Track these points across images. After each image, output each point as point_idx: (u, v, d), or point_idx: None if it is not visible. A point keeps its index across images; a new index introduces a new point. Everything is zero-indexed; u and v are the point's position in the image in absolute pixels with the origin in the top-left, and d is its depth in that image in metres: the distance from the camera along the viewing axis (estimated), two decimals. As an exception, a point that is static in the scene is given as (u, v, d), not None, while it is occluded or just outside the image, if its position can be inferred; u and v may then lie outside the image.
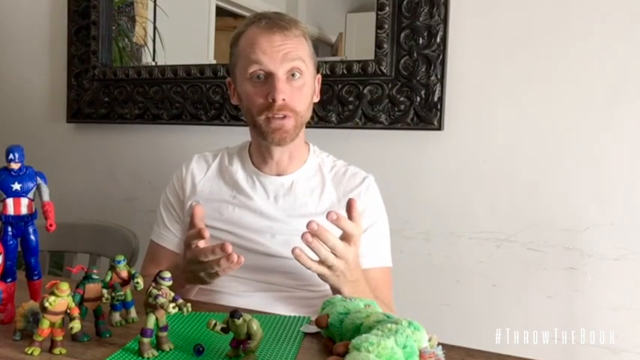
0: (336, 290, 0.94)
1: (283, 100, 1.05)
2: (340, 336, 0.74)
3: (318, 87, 1.17)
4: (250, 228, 1.11)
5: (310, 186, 1.14)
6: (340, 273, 0.90)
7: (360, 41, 1.58)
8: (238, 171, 1.17)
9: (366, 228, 1.12)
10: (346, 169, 1.18)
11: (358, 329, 0.71)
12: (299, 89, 1.08)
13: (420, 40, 1.42)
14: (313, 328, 0.82)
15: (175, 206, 1.20)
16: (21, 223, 0.81)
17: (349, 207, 0.90)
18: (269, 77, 1.06)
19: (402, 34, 1.43)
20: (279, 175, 1.15)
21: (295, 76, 1.07)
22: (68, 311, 0.71)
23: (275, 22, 1.07)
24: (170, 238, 1.20)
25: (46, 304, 0.69)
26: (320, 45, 1.65)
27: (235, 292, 1.09)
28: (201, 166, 1.21)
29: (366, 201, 1.13)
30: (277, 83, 1.05)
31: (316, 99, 1.16)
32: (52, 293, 0.70)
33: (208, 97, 1.68)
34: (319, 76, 1.17)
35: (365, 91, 1.48)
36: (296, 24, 1.10)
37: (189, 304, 0.72)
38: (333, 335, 0.76)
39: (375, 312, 0.75)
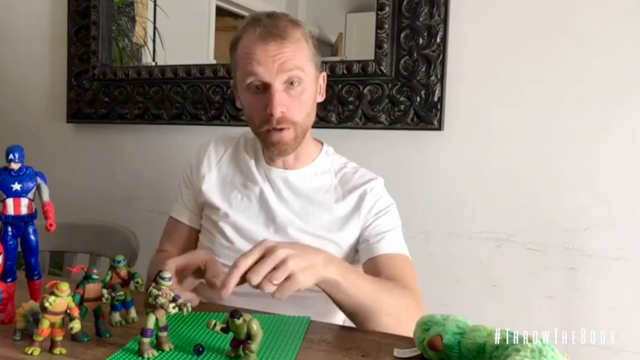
0: (328, 284, 0.86)
1: (282, 112, 1.04)
2: (461, 358, 0.70)
3: (323, 85, 1.15)
4: (255, 221, 1.12)
5: (316, 184, 1.14)
6: (296, 258, 0.79)
7: (360, 41, 1.58)
8: (252, 160, 1.17)
9: (377, 217, 1.12)
10: (355, 170, 1.18)
11: (482, 350, 0.68)
12: (297, 98, 1.06)
13: (420, 40, 1.42)
14: (408, 352, 0.75)
15: (193, 183, 1.22)
16: (21, 223, 0.81)
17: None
18: (266, 88, 1.04)
19: (402, 34, 1.43)
20: (286, 168, 1.15)
21: (294, 85, 1.05)
22: (68, 311, 0.71)
23: (270, 31, 1.03)
24: (187, 214, 1.23)
25: (46, 304, 0.69)
26: (320, 45, 1.65)
27: (236, 290, 1.09)
28: (219, 149, 1.22)
29: (373, 198, 1.13)
30: (274, 96, 1.03)
31: (321, 98, 1.15)
32: (52, 293, 0.70)
33: (208, 97, 1.68)
34: (324, 74, 1.15)
35: (365, 91, 1.48)
36: (293, 27, 1.06)
37: (189, 304, 0.72)
38: (451, 358, 0.71)
39: (492, 329, 0.70)
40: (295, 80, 1.05)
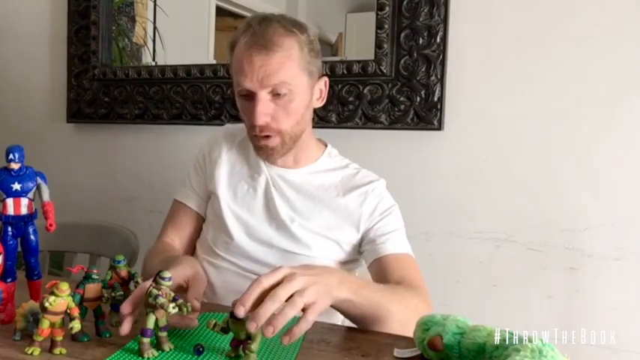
0: (342, 304, 0.84)
1: (265, 121, 1.04)
2: (461, 358, 0.70)
3: (324, 90, 1.13)
4: (258, 217, 1.13)
5: (317, 182, 1.14)
6: (314, 286, 0.76)
7: (360, 41, 1.58)
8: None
9: (380, 219, 1.11)
10: (358, 171, 1.17)
11: (482, 350, 0.68)
12: (284, 107, 1.04)
13: (420, 40, 1.42)
14: (408, 352, 0.75)
15: (205, 169, 1.21)
16: (21, 223, 0.81)
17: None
18: (253, 96, 1.04)
19: (402, 34, 1.43)
20: (286, 168, 1.15)
21: (281, 95, 1.03)
22: (68, 311, 0.71)
23: (256, 41, 1.01)
24: (194, 198, 1.21)
25: (46, 304, 0.69)
26: (320, 45, 1.65)
27: (236, 289, 1.09)
28: (229, 139, 1.22)
29: (375, 200, 1.12)
30: (257, 106, 1.02)
31: (320, 103, 1.13)
32: (52, 293, 0.70)
33: (208, 97, 1.68)
34: (325, 78, 1.13)
35: (365, 91, 1.48)
36: (284, 35, 1.03)
37: (189, 304, 0.72)
38: (451, 358, 0.71)
39: (492, 329, 0.70)
40: (281, 91, 1.03)
